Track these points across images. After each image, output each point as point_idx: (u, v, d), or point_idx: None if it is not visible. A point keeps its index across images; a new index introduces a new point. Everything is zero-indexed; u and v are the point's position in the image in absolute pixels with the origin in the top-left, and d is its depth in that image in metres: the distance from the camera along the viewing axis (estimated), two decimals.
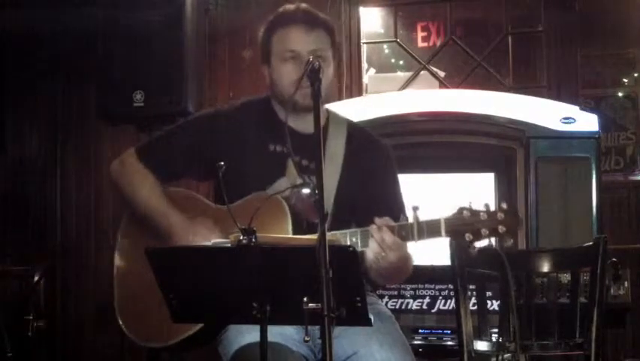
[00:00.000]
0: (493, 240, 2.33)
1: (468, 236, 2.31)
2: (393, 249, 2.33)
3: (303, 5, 2.67)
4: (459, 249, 2.81)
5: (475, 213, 2.32)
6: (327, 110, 2.74)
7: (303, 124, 2.52)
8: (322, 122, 2.63)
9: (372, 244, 2.34)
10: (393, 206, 2.53)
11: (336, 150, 2.65)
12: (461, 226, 2.32)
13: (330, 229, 2.43)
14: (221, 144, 2.61)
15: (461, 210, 2.33)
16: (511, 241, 2.32)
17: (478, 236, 2.31)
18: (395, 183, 2.71)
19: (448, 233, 2.33)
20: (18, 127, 5.23)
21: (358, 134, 2.74)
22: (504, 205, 2.33)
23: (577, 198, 3.67)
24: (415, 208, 2.34)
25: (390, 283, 2.77)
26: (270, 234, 2.32)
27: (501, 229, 2.30)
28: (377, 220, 2.36)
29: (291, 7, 2.65)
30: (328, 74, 2.57)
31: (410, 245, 2.38)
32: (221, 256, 2.08)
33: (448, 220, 2.33)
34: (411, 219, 2.35)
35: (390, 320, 2.56)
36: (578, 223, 3.65)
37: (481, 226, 2.31)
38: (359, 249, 2.34)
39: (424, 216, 2.35)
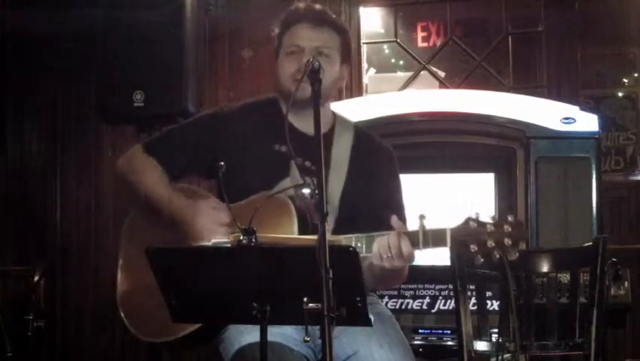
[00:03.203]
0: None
1: (473, 248, 2.28)
2: (404, 257, 2.32)
3: (316, 5, 2.68)
4: (459, 249, 2.80)
5: (481, 224, 2.28)
6: (333, 113, 2.74)
7: (308, 125, 2.51)
8: (329, 124, 2.66)
9: (380, 246, 2.33)
10: (395, 211, 2.51)
11: (342, 154, 2.65)
12: (467, 237, 2.28)
13: (334, 232, 2.44)
14: (225, 144, 2.61)
15: (468, 220, 2.29)
16: (517, 254, 2.29)
17: (484, 248, 2.27)
18: (398, 188, 2.71)
19: (453, 243, 2.31)
20: (18, 127, 5.23)
21: (364, 137, 2.74)
22: (510, 218, 2.28)
23: (577, 198, 3.67)
24: (422, 217, 2.32)
25: (385, 286, 2.76)
26: (275, 234, 2.32)
27: (507, 241, 2.26)
28: (393, 222, 2.33)
29: (302, 5, 2.66)
30: (331, 72, 2.58)
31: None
32: (221, 256, 2.08)
33: (454, 231, 2.31)
34: (417, 227, 2.33)
35: (391, 320, 2.56)
36: (578, 223, 3.65)
37: (487, 238, 2.27)
38: (363, 254, 2.33)
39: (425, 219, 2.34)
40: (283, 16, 2.68)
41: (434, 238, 2.31)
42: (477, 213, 2.30)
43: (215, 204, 2.53)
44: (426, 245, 2.31)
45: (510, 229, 2.27)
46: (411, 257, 2.32)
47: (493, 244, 2.26)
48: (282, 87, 2.61)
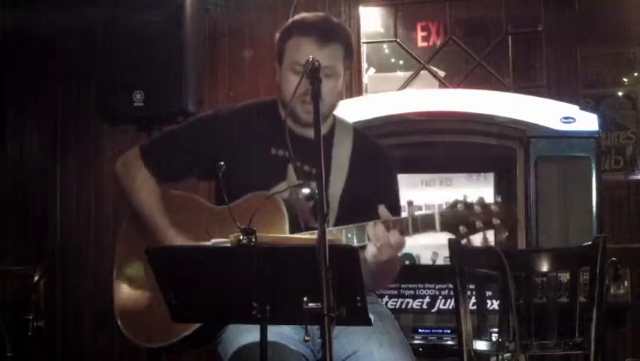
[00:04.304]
0: (488, 234, 2.34)
1: (462, 229, 2.31)
2: (394, 245, 2.33)
3: (322, 15, 2.66)
4: (459, 248, 2.81)
5: (469, 206, 2.33)
6: (333, 115, 2.73)
7: (307, 129, 2.52)
8: (328, 126, 2.66)
9: (373, 239, 2.34)
10: (392, 211, 2.52)
11: (341, 157, 2.65)
12: (455, 219, 2.33)
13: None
14: (223, 146, 2.61)
15: (455, 203, 2.33)
16: (506, 233, 2.32)
17: (473, 229, 2.32)
18: (395, 190, 2.71)
19: (443, 226, 2.34)
20: (18, 127, 5.23)
21: (363, 139, 2.74)
22: (498, 198, 2.34)
23: (577, 197, 3.67)
24: (410, 203, 2.35)
25: (378, 285, 2.78)
26: (268, 233, 2.32)
27: (495, 221, 2.31)
28: (380, 211, 2.36)
29: (310, 15, 2.63)
30: (335, 87, 2.57)
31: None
32: (221, 256, 2.08)
33: (442, 214, 2.33)
34: (405, 214, 2.36)
35: (390, 320, 2.56)
36: (578, 223, 3.65)
37: (476, 218, 2.31)
38: (354, 244, 2.35)
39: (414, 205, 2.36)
40: (289, 23, 2.64)
41: (423, 223, 2.34)
42: (464, 196, 2.33)
43: (201, 230, 2.52)
44: (415, 231, 2.33)
45: (497, 209, 2.30)
46: (400, 244, 2.35)
47: (481, 225, 2.30)
48: (285, 100, 2.59)
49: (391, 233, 2.32)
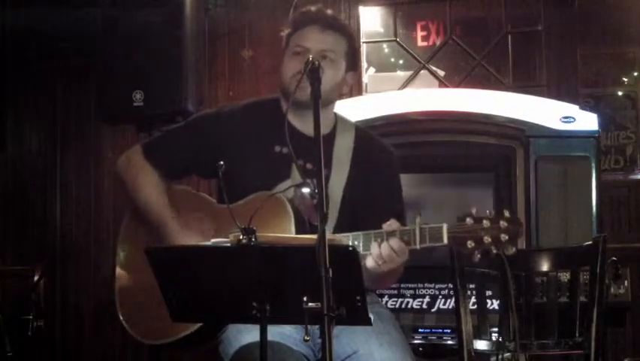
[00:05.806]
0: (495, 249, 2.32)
1: (470, 244, 2.30)
2: (399, 255, 2.33)
3: (327, 10, 2.69)
4: (456, 246, 2.80)
5: (477, 220, 2.31)
6: (335, 113, 2.74)
7: (309, 126, 2.50)
8: (330, 125, 2.66)
9: (375, 250, 2.34)
10: (394, 212, 2.51)
11: (343, 154, 2.65)
12: (463, 234, 2.31)
13: (335, 232, 2.44)
14: (225, 144, 2.61)
15: (464, 217, 2.32)
16: (514, 249, 2.31)
17: (480, 244, 2.29)
18: (398, 189, 2.71)
19: (450, 240, 2.32)
20: (18, 127, 5.23)
21: (365, 138, 2.74)
22: (507, 213, 2.31)
23: (577, 197, 3.67)
24: (419, 214, 2.34)
25: (380, 287, 2.78)
26: (272, 233, 2.32)
27: (503, 237, 2.29)
28: (385, 225, 2.36)
29: (314, 8, 2.67)
30: (334, 76, 2.59)
31: None
32: (221, 256, 2.08)
33: (450, 227, 2.32)
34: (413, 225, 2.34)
35: (390, 320, 2.55)
36: (578, 223, 3.65)
37: (484, 233, 2.29)
38: (361, 253, 2.34)
39: (424, 217, 2.35)
40: (294, 17, 2.69)
41: (431, 236, 2.33)
42: (473, 210, 2.32)
43: (204, 229, 2.53)
44: (423, 242, 2.33)
45: (506, 224, 2.29)
46: (404, 255, 2.34)
47: (489, 240, 2.29)
48: (284, 86, 2.61)
49: (394, 243, 2.32)
